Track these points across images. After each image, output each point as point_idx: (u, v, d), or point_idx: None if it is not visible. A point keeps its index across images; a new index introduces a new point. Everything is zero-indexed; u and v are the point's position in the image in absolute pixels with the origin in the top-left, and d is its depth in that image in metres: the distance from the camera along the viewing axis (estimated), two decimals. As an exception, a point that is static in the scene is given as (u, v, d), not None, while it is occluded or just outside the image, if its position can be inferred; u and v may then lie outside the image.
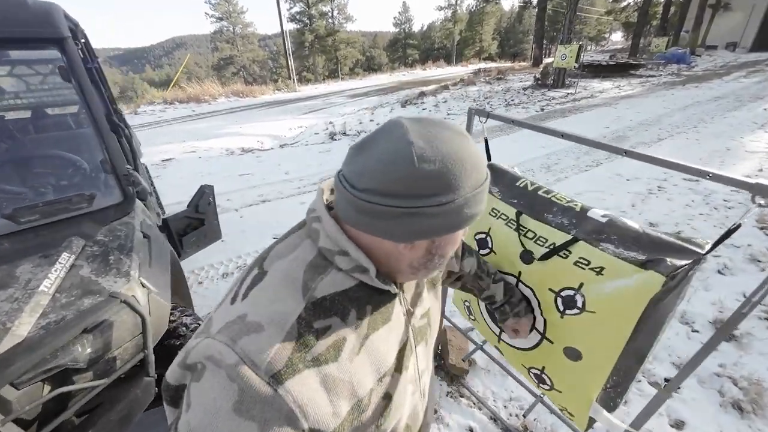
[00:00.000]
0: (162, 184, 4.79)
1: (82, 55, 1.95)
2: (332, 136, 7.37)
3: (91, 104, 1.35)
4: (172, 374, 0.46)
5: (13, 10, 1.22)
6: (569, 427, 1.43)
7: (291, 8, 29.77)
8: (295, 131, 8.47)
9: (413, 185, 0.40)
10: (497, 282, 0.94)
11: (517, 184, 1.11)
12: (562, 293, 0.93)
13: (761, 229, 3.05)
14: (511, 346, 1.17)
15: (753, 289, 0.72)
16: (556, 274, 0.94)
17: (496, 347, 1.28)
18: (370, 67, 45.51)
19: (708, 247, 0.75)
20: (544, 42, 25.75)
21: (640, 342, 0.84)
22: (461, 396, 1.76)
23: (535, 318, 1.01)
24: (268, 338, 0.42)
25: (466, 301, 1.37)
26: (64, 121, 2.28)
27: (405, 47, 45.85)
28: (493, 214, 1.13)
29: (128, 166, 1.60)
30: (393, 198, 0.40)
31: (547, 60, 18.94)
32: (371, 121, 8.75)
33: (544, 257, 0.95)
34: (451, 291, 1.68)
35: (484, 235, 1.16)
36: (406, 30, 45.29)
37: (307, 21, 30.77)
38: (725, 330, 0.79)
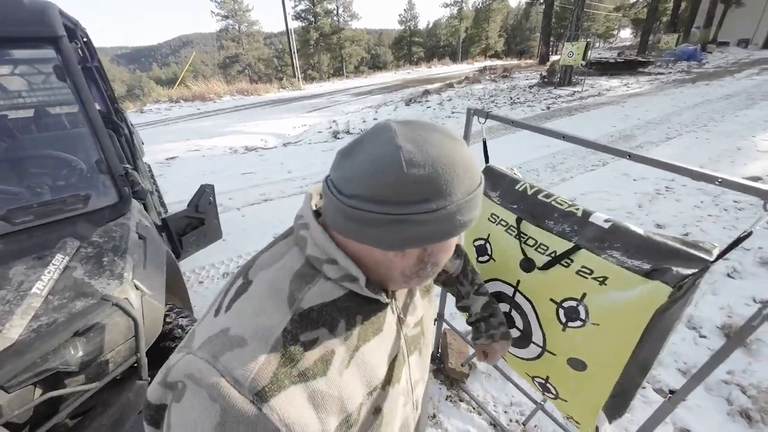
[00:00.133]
0: (166, 182, 4.81)
1: (81, 54, 1.95)
2: (335, 135, 7.37)
3: (86, 103, 1.34)
4: (153, 393, 0.44)
5: (8, 8, 1.22)
6: (570, 436, 1.40)
7: (296, 6, 29.85)
8: (298, 130, 8.48)
9: (402, 191, 0.38)
10: (480, 295, 0.88)
11: (516, 187, 1.08)
12: (564, 304, 0.90)
13: (773, 231, 2.98)
14: (514, 355, 1.14)
15: (764, 295, 0.69)
16: (557, 284, 0.91)
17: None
18: (375, 65, 45.51)
19: (716, 252, 0.72)
20: (551, 39, 25.55)
21: (646, 351, 0.81)
22: (461, 400, 1.74)
23: (532, 332, 0.98)
24: (251, 353, 0.40)
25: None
26: (61, 121, 2.28)
27: (410, 45, 45.66)
28: (492, 220, 1.10)
29: (127, 166, 1.60)
30: (381, 204, 0.38)
31: (554, 57, 18.74)
32: (375, 119, 8.74)
33: (546, 266, 0.92)
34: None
35: (483, 242, 1.13)
36: (412, 27, 45.05)
37: (312, 19, 30.79)
38: (734, 342, 0.76)
